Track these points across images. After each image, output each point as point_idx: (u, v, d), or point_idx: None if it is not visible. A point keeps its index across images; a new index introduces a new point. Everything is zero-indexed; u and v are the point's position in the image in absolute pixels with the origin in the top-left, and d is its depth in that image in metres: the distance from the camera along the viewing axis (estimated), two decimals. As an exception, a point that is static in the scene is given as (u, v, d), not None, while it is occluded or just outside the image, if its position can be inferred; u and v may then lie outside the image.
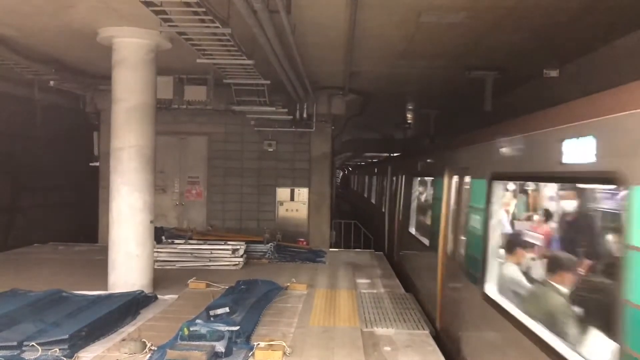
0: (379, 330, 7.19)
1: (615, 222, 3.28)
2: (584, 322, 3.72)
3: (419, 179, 10.87)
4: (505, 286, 4.98)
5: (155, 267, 9.64)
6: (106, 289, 8.69)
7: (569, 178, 3.81)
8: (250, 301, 8.06)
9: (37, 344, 5.89)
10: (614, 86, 3.45)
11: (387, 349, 6.52)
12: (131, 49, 8.78)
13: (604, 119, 3.27)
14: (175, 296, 8.78)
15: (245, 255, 11.72)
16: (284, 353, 6.11)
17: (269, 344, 6.20)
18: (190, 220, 14.86)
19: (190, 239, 12.33)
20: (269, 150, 14.97)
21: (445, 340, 6.85)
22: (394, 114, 19.48)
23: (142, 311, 7.89)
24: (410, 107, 18.03)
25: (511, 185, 5.48)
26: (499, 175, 5.27)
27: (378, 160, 29.68)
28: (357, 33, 8.25)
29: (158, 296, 8.69)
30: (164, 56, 9.58)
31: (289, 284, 9.48)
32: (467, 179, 6.43)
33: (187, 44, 7.63)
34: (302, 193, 15.17)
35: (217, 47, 7.69)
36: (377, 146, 29.13)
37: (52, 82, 11.92)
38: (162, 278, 9.67)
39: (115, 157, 8.80)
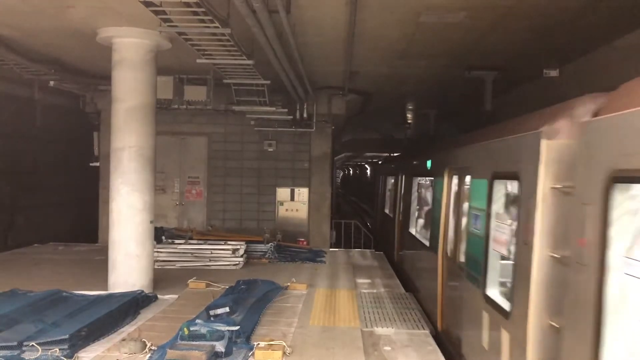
0: (379, 330, 7.19)
1: None
2: None
3: None
4: None
5: (156, 267, 9.65)
6: (106, 289, 8.69)
7: None
8: (250, 301, 8.07)
9: (37, 344, 5.89)
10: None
11: (387, 348, 6.52)
12: (131, 49, 8.78)
13: None
14: (175, 296, 8.79)
15: (245, 255, 11.73)
16: (284, 353, 6.12)
17: (269, 344, 6.20)
18: (190, 220, 14.87)
19: (191, 239, 12.33)
20: (269, 150, 14.98)
21: None
22: (394, 114, 19.47)
23: (142, 311, 7.90)
24: (410, 107, 18.02)
25: None
26: None
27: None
28: (356, 33, 8.25)
29: (158, 296, 8.69)
30: (164, 56, 9.58)
31: (289, 284, 9.48)
32: None
33: (187, 44, 7.63)
34: (302, 193, 15.16)
35: (217, 47, 7.70)
36: (377, 146, 29.13)
37: (52, 82, 11.92)
38: (162, 278, 9.67)
39: (115, 157, 8.81)
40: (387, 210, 16.21)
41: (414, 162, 11.29)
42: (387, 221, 15.40)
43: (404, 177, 12.50)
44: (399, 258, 12.47)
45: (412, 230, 10.77)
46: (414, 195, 11.31)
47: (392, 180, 15.36)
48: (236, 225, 15.01)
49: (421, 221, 10.81)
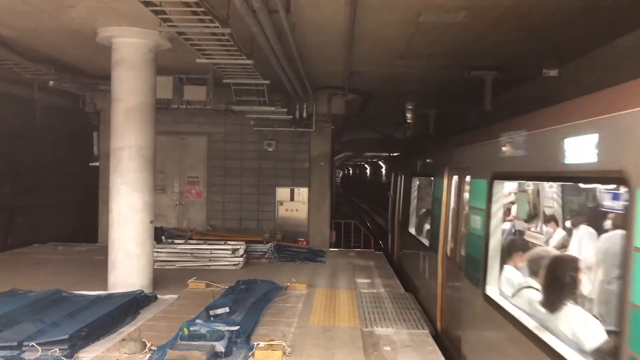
0: (379, 330, 7.19)
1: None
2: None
3: None
4: None
5: (155, 267, 9.65)
6: (106, 289, 8.69)
7: None
8: (250, 301, 8.07)
9: (37, 344, 5.89)
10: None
11: (387, 348, 6.52)
12: (131, 49, 8.78)
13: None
14: (175, 296, 8.79)
15: (245, 255, 11.73)
16: (284, 353, 6.12)
17: (268, 344, 6.20)
18: (190, 220, 14.88)
19: (190, 239, 12.33)
20: (269, 150, 14.98)
21: None
22: (394, 114, 19.49)
23: (142, 311, 7.90)
24: (410, 107, 18.04)
25: None
26: None
27: None
28: (356, 33, 8.26)
29: (158, 296, 8.69)
30: (164, 56, 9.58)
31: (288, 284, 9.49)
32: None
33: (186, 44, 7.63)
34: (302, 193, 15.17)
35: (217, 47, 7.70)
36: (377, 146, 29.15)
37: (51, 82, 11.94)
38: (162, 278, 9.68)
39: (115, 157, 8.81)
40: (412, 230, 10.66)
41: (505, 148, 5.08)
42: (417, 250, 9.51)
43: (469, 179, 6.36)
44: (447, 326, 6.96)
45: (492, 293, 5.04)
46: (512, 219, 6.06)
47: (424, 185, 10.50)
48: (236, 225, 15.01)
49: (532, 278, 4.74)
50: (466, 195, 6.49)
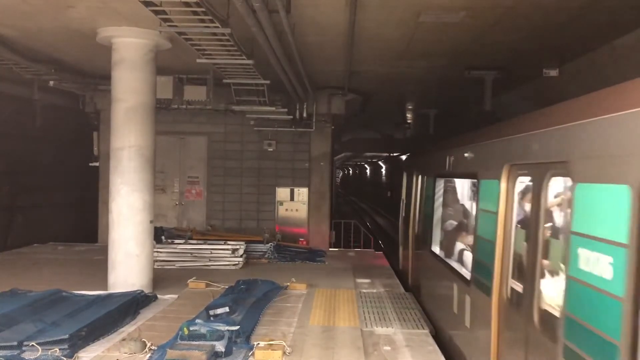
0: (379, 330, 7.19)
1: None
2: None
3: None
4: None
5: (155, 267, 9.66)
6: (106, 289, 8.69)
7: None
8: (250, 301, 8.07)
9: (37, 344, 5.89)
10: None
11: (387, 348, 6.52)
12: (131, 49, 8.78)
13: None
14: (175, 296, 8.79)
15: (245, 255, 11.73)
16: (284, 353, 6.12)
17: (268, 344, 6.20)
18: (190, 220, 14.88)
19: (190, 238, 12.33)
20: (269, 150, 14.98)
21: None
22: (394, 114, 19.50)
23: (142, 311, 7.90)
24: (410, 107, 18.04)
25: None
26: None
27: None
28: (356, 33, 8.26)
29: (158, 296, 8.69)
30: (164, 56, 9.58)
31: (288, 284, 9.49)
32: None
33: (187, 44, 7.64)
34: (302, 193, 15.16)
35: (217, 47, 7.71)
36: (377, 146, 29.17)
37: (51, 82, 11.95)
38: (161, 278, 9.68)
39: (115, 157, 8.81)
40: (436, 249, 8.07)
41: None
42: (447, 281, 6.94)
43: (564, 183, 3.91)
44: None
45: None
46: None
47: (457, 189, 8.03)
48: (236, 225, 15.01)
49: None
50: (554, 210, 4.21)
